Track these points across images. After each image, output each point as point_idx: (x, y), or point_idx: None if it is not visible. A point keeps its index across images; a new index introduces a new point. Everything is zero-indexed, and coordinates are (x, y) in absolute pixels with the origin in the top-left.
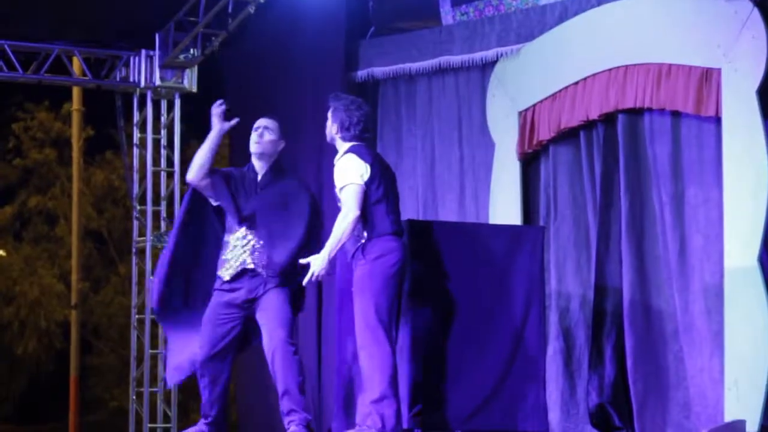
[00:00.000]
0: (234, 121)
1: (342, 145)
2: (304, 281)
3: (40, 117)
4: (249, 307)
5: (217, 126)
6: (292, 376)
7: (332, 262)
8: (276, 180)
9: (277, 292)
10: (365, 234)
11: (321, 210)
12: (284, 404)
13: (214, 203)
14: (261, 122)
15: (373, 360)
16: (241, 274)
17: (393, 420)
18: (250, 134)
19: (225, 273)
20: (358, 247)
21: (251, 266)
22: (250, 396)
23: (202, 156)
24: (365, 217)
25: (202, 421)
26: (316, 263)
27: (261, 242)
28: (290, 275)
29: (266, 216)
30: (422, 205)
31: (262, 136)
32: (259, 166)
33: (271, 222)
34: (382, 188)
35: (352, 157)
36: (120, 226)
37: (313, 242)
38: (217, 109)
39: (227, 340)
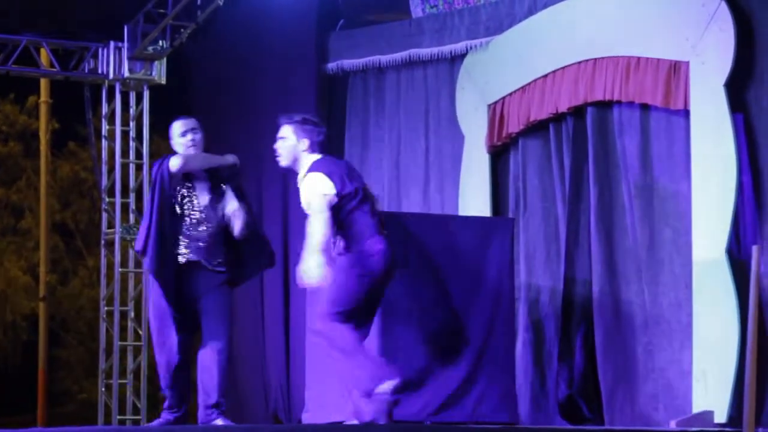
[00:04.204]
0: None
1: (308, 158)
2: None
3: (5, 110)
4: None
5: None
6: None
7: None
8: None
9: (223, 293)
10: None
11: None
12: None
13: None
14: (191, 123)
15: (335, 342)
16: (192, 266)
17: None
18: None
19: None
20: (342, 253)
21: (200, 261)
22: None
23: (202, 166)
24: (345, 227)
25: (171, 411)
26: (313, 269)
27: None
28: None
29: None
30: (387, 196)
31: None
32: None
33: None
34: (359, 196)
35: (319, 177)
36: (86, 218)
37: None
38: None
39: (189, 344)
